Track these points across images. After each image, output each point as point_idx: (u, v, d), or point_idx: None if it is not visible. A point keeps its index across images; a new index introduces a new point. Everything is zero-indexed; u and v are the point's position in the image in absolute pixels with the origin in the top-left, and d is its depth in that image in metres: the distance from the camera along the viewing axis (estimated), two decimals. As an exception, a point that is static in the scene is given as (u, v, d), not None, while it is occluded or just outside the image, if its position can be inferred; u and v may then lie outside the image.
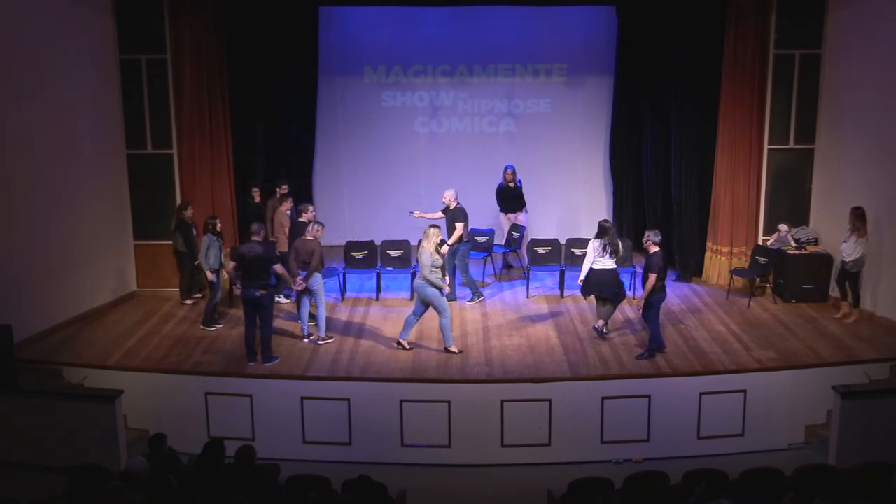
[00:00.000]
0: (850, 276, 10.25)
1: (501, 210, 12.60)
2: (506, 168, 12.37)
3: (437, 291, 9.30)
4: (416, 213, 11.41)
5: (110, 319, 10.72)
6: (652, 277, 9.02)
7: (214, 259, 10.22)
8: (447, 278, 9.67)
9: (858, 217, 9.99)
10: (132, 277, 11.72)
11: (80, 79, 10.51)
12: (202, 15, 11.25)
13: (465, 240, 11.04)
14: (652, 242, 9.17)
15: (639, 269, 10.59)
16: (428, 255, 9.16)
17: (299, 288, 9.55)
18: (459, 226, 10.86)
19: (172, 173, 11.54)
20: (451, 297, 10.90)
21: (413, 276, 11.40)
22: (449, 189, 11.12)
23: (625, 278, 11.79)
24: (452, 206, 11.03)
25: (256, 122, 12.58)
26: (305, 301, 9.78)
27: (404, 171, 13.90)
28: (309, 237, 9.55)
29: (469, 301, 11.17)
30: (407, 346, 9.53)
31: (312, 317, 9.90)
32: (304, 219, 10.23)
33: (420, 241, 9.40)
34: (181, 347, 9.70)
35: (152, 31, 11.18)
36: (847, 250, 10.10)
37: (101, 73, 10.96)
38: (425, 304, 9.42)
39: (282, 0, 12.24)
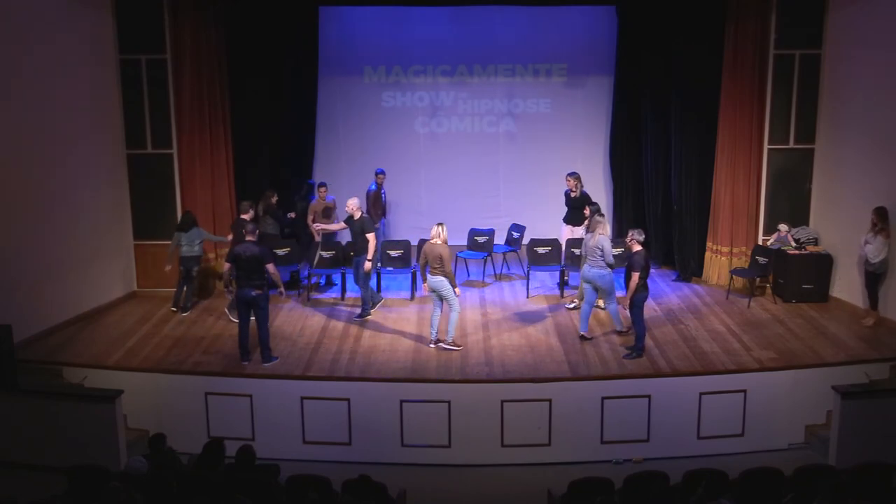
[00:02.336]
0: (874, 278, 9.98)
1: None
2: (566, 175, 11.61)
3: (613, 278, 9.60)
4: (317, 226, 11.31)
5: (110, 319, 10.72)
6: (635, 276, 9.02)
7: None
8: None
9: (882, 217, 9.77)
10: (132, 277, 11.72)
11: (80, 79, 10.51)
12: (202, 15, 11.25)
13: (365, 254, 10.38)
14: (635, 241, 9.17)
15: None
16: (608, 241, 9.50)
17: (427, 293, 9.59)
18: (371, 236, 10.26)
19: (172, 173, 11.54)
20: (367, 312, 10.53)
21: (413, 275, 11.48)
22: (352, 198, 10.50)
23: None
24: (357, 215, 10.38)
25: (256, 122, 12.56)
26: (438, 305, 9.61)
27: (404, 171, 13.90)
28: (437, 240, 9.42)
29: (358, 317, 10.53)
30: (588, 337, 9.69)
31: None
32: (246, 216, 10.42)
33: (594, 232, 9.59)
34: (181, 347, 9.70)
35: (152, 31, 11.17)
36: (873, 252, 9.82)
37: (101, 73, 10.95)
38: (596, 291, 9.70)
39: (282, 0, 12.24)
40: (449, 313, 9.53)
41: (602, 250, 9.45)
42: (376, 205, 12.54)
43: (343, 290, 11.49)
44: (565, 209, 11.81)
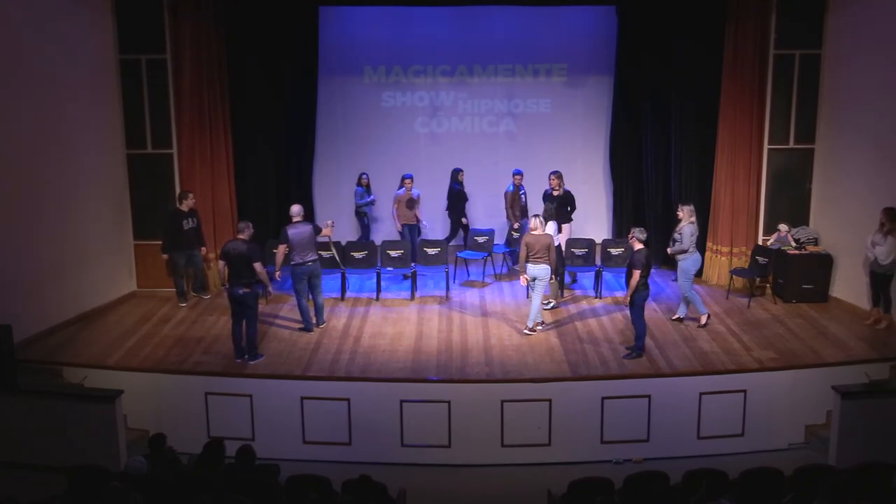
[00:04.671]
0: (885, 280, 9.91)
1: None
2: (549, 174, 11.71)
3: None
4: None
5: (110, 319, 10.72)
6: (636, 274, 9.03)
7: None
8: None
9: (891, 217, 9.70)
10: (132, 277, 11.72)
11: (80, 79, 10.51)
12: (202, 15, 11.24)
13: (291, 262, 9.93)
14: (637, 240, 9.19)
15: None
16: (690, 229, 10.09)
17: (525, 284, 9.98)
18: (281, 248, 9.88)
19: (172, 173, 11.54)
20: (309, 327, 10.16)
21: (414, 275, 11.50)
22: (295, 205, 10.17)
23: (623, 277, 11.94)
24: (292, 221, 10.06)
25: (256, 122, 12.58)
26: (539, 291, 9.92)
27: (404, 172, 13.88)
28: (539, 231, 9.75)
29: (302, 329, 10.22)
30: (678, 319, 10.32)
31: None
32: (183, 207, 10.93)
33: (681, 221, 10.07)
34: (181, 347, 9.70)
35: (152, 31, 11.17)
36: (883, 253, 9.75)
37: (101, 73, 10.95)
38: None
39: (282, 0, 12.24)
40: (534, 300, 9.90)
41: (681, 236, 9.96)
42: (514, 205, 12.44)
43: (343, 290, 11.49)
44: (553, 211, 11.69)
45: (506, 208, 12.54)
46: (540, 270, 9.79)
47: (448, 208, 13.20)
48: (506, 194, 12.52)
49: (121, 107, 11.33)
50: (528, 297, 10.52)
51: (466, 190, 13.24)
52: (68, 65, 10.26)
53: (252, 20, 12.16)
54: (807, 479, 6.01)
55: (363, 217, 13.37)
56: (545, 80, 13.90)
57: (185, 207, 11.00)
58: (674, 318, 10.37)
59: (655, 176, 12.77)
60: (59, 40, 10.06)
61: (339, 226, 10.66)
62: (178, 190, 11.55)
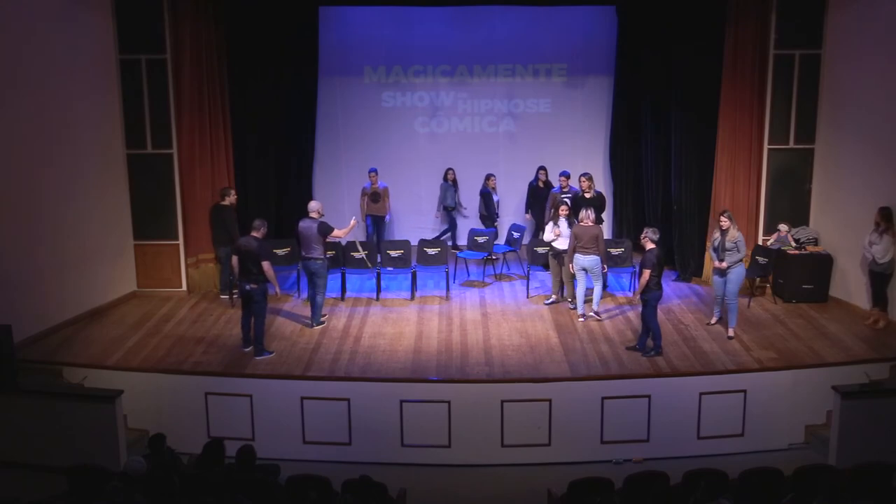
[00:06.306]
0: (882, 279, 9.96)
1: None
2: (579, 176, 11.58)
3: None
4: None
5: (110, 319, 10.72)
6: (646, 273, 9.03)
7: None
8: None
9: (886, 217, 9.78)
10: (132, 277, 11.71)
11: (80, 79, 10.51)
12: (202, 15, 11.24)
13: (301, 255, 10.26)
14: (649, 239, 9.19)
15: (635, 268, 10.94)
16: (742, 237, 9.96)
17: (574, 271, 10.26)
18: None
19: (172, 173, 11.54)
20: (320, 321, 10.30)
21: (414, 275, 11.49)
22: (313, 201, 10.35)
23: (623, 277, 11.93)
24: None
25: (256, 122, 12.57)
26: (583, 282, 10.29)
27: (404, 171, 13.92)
28: (588, 222, 10.12)
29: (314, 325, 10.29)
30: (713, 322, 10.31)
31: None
32: (226, 202, 11.26)
33: (728, 230, 9.72)
34: (181, 347, 9.70)
35: (152, 31, 11.16)
36: (880, 252, 9.80)
37: (101, 73, 10.95)
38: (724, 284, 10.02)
39: (282, 0, 12.24)
40: (596, 288, 10.33)
41: (737, 244, 9.71)
42: (554, 206, 12.13)
43: (343, 289, 11.48)
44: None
45: (547, 208, 12.48)
46: (589, 261, 10.12)
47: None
48: (551, 195, 12.49)
49: (121, 107, 11.32)
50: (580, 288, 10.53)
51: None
52: (68, 65, 10.25)
53: (252, 20, 12.16)
54: (807, 479, 6.01)
55: (450, 212, 13.63)
56: (545, 80, 13.90)
57: (227, 203, 11.30)
58: (729, 336, 9.86)
59: (655, 176, 12.77)
60: (59, 40, 10.05)
61: (336, 226, 10.53)
62: (178, 190, 11.55)
